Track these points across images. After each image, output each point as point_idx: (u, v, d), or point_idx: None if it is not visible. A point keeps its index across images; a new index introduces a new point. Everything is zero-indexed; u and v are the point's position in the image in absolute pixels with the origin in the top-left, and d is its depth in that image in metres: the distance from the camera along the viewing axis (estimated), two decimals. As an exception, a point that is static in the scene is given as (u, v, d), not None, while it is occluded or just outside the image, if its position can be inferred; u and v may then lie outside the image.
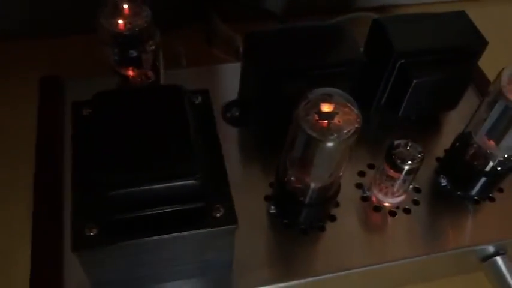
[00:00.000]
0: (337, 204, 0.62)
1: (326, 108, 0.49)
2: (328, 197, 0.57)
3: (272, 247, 0.58)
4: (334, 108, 0.49)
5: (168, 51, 0.65)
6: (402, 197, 0.63)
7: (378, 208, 0.62)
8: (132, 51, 0.56)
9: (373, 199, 0.63)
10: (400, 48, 0.63)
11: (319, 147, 0.49)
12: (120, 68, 0.58)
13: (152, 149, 0.46)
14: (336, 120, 0.49)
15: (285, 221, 0.60)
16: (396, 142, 0.58)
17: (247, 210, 0.59)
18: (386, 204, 0.62)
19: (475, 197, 0.64)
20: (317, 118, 0.49)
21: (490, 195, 0.65)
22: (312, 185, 0.54)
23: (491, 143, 0.58)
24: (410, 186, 0.64)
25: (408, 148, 0.58)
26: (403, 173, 0.58)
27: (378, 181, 0.62)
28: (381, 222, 0.61)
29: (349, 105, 0.49)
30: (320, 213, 0.60)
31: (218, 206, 0.47)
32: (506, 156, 0.59)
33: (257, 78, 0.61)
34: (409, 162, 0.57)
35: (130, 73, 0.59)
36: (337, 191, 0.58)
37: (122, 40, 0.55)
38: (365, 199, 0.63)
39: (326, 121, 0.49)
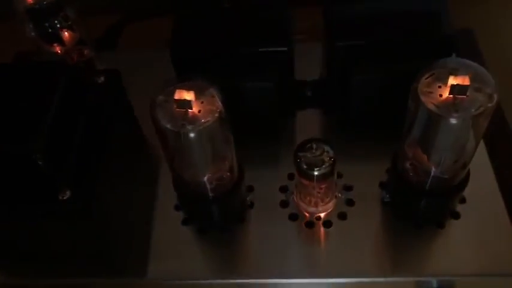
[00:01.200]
0: (252, 205, 0.56)
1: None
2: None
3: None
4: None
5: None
6: (325, 207, 0.54)
7: (295, 216, 0.55)
8: (46, 26, 0.56)
9: (299, 207, 0.56)
10: (340, 41, 0.54)
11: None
12: (44, 45, 0.58)
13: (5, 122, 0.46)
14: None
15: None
16: (306, 145, 0.50)
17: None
18: (306, 214, 0.55)
19: (418, 220, 0.53)
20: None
21: (439, 220, 0.53)
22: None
23: (424, 156, 0.48)
24: (340, 196, 0.55)
25: (316, 151, 0.50)
26: (314, 179, 0.50)
27: (297, 189, 0.55)
28: (294, 232, 0.54)
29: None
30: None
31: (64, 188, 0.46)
32: (443, 172, 0.48)
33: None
34: (316, 168, 0.49)
35: (57, 50, 0.59)
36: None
37: (33, 14, 0.55)
38: (285, 205, 0.56)
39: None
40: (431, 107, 0.42)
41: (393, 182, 0.53)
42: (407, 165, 0.49)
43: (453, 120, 0.41)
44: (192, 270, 0.52)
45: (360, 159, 0.58)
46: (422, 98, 0.42)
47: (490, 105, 0.41)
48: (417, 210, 0.53)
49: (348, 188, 0.56)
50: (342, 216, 0.54)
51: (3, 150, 0.44)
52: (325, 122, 0.63)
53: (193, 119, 0.43)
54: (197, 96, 0.44)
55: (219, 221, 0.54)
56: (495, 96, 0.42)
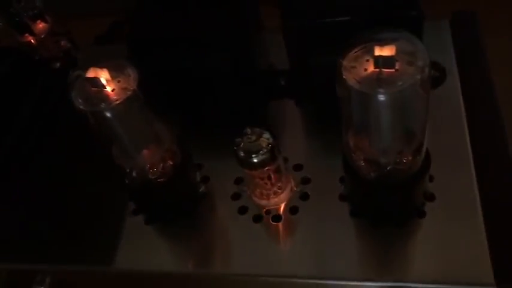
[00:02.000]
0: (204, 196, 0.53)
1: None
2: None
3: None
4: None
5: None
6: (277, 200, 0.50)
7: (244, 209, 0.51)
8: (12, 14, 0.57)
9: (251, 200, 0.52)
10: (293, 21, 0.49)
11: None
12: (17, 36, 0.60)
13: None
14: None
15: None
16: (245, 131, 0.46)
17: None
18: (261, 206, 0.51)
19: (375, 218, 0.47)
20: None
21: (399, 218, 0.47)
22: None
23: (366, 144, 0.42)
24: (296, 189, 0.51)
25: (252, 136, 0.46)
26: (253, 167, 0.46)
27: (247, 181, 0.51)
28: (241, 226, 0.50)
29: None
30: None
31: None
32: (392, 160, 0.42)
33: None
34: (253, 155, 0.46)
35: (30, 40, 0.60)
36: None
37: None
38: (236, 197, 0.52)
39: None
40: (352, 83, 0.37)
41: (347, 176, 0.47)
42: (354, 156, 0.44)
43: (378, 96, 0.36)
44: (136, 260, 0.50)
45: (323, 152, 0.53)
46: (345, 74, 0.37)
47: (418, 77, 0.36)
48: (373, 207, 0.47)
49: (305, 181, 0.52)
50: (293, 210, 0.50)
51: None
52: (295, 113, 0.58)
53: (107, 98, 0.42)
54: (113, 75, 0.42)
55: (165, 211, 0.52)
56: (426, 69, 0.36)
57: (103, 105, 0.41)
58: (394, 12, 0.48)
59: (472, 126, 0.52)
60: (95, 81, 0.41)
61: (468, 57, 0.58)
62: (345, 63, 0.38)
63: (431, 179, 0.48)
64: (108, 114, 0.42)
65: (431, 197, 0.47)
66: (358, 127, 0.41)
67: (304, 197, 0.51)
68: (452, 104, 0.54)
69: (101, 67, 0.42)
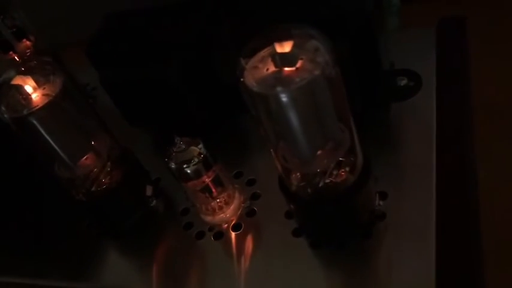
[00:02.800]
0: (156, 212, 0.51)
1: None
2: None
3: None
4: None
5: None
6: (222, 217, 0.47)
7: (189, 226, 0.48)
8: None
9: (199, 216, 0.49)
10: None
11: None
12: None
13: None
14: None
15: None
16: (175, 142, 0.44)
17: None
18: (207, 222, 0.48)
19: (315, 238, 0.43)
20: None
21: (340, 238, 0.42)
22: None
23: (289, 154, 0.38)
24: (243, 205, 0.47)
25: (182, 147, 0.43)
26: (186, 179, 0.44)
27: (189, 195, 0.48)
28: (185, 241, 0.47)
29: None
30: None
31: None
32: (321, 173, 0.38)
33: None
34: (185, 165, 0.43)
35: (15, 57, 0.62)
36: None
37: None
38: (185, 212, 0.50)
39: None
40: (250, 84, 0.34)
41: (284, 194, 0.43)
42: (286, 172, 0.40)
43: (275, 96, 0.33)
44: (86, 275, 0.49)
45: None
46: (245, 76, 0.34)
47: (318, 73, 0.32)
48: (313, 226, 0.43)
49: (255, 197, 0.48)
50: (237, 227, 0.47)
51: None
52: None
53: (30, 104, 0.42)
54: (40, 83, 0.42)
55: (112, 225, 0.51)
56: (329, 66, 0.32)
57: (25, 111, 0.41)
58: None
59: (440, 142, 0.46)
60: (19, 88, 0.42)
61: (449, 66, 0.52)
62: (251, 63, 0.35)
63: (384, 196, 0.43)
64: (32, 120, 0.42)
65: (381, 216, 0.42)
66: (276, 137, 0.38)
67: (251, 213, 0.47)
68: (425, 115, 0.49)
69: (26, 74, 0.42)
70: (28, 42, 0.63)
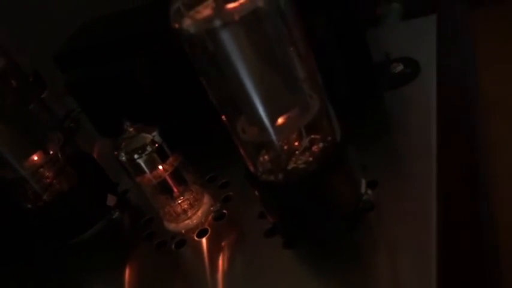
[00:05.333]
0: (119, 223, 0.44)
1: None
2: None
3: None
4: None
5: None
6: (187, 223, 0.40)
7: (150, 235, 0.41)
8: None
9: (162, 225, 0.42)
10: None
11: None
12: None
13: None
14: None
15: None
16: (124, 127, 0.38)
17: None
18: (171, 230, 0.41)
19: (289, 237, 0.35)
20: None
21: (319, 235, 0.34)
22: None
23: (250, 127, 0.32)
24: (212, 209, 0.40)
25: (132, 133, 0.37)
26: (138, 171, 0.38)
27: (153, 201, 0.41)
28: (143, 255, 0.40)
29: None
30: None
31: None
32: (287, 144, 0.31)
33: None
34: (135, 154, 0.37)
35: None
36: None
37: None
38: (149, 221, 0.43)
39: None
40: (186, 26, 0.28)
41: (250, 183, 0.36)
42: (248, 154, 0.34)
43: (214, 31, 0.27)
44: None
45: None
46: (178, 23, 0.29)
47: (260, 4, 0.26)
48: (285, 221, 0.35)
49: (226, 200, 0.41)
50: (202, 233, 0.39)
51: None
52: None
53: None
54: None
55: (65, 237, 0.44)
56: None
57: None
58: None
59: (440, 128, 0.39)
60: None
61: (450, 53, 0.46)
62: (178, 7, 0.29)
63: (374, 184, 0.36)
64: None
65: (369, 208, 0.34)
66: (222, 101, 0.31)
67: (220, 217, 0.40)
68: (423, 101, 0.42)
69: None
70: None
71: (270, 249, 0.36)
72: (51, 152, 0.42)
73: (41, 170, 0.42)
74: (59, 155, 0.42)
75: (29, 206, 0.43)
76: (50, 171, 0.42)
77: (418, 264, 0.30)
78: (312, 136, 0.33)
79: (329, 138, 0.32)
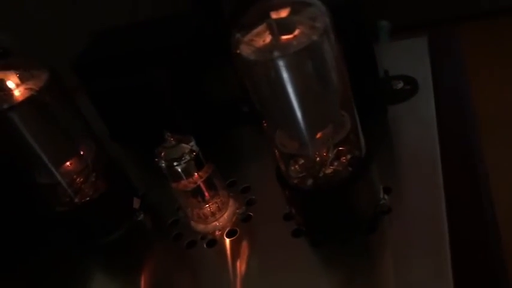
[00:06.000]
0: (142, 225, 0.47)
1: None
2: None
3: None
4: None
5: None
6: (215, 225, 0.44)
7: (179, 236, 0.45)
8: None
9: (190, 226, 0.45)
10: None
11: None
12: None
13: None
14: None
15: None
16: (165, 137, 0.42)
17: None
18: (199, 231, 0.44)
19: (315, 236, 0.40)
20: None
21: (342, 234, 0.39)
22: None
23: (287, 139, 0.36)
24: (238, 211, 0.44)
25: (173, 143, 0.41)
26: (177, 177, 0.41)
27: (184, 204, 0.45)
28: (174, 254, 0.44)
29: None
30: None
31: None
32: (320, 159, 0.35)
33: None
34: (175, 162, 0.41)
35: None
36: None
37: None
38: (174, 224, 0.46)
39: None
40: (247, 53, 0.32)
41: (282, 189, 0.40)
42: (283, 159, 0.38)
43: (273, 61, 0.31)
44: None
45: (274, 174, 0.47)
46: (240, 48, 0.33)
47: (315, 38, 0.30)
48: (311, 221, 0.40)
49: (250, 203, 0.45)
50: (232, 233, 0.43)
51: None
52: (255, 137, 0.53)
53: (11, 98, 0.39)
54: (24, 78, 0.40)
55: (90, 238, 0.47)
56: (324, 30, 0.31)
57: (5, 105, 0.39)
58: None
59: (442, 138, 0.44)
60: (1, 83, 0.40)
61: (444, 72, 0.52)
62: (247, 38, 0.33)
63: (388, 190, 0.41)
64: (12, 116, 0.39)
65: (387, 210, 0.40)
66: (272, 118, 0.36)
67: (247, 218, 0.44)
68: (424, 114, 0.47)
69: (8, 68, 0.40)
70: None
71: (297, 248, 0.40)
72: (85, 159, 0.44)
73: (74, 175, 0.44)
74: (91, 162, 0.45)
75: (60, 209, 0.46)
76: (82, 176, 0.45)
77: (432, 262, 0.36)
78: (340, 148, 0.38)
79: (356, 151, 0.37)
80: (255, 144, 0.53)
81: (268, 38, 0.32)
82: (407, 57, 0.55)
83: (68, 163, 0.44)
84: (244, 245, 0.42)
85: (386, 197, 0.40)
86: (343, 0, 0.43)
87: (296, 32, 0.31)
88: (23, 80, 0.40)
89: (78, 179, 0.45)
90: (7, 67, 0.40)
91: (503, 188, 0.44)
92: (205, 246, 0.43)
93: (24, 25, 0.66)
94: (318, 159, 0.37)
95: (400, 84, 0.51)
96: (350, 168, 0.37)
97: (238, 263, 0.41)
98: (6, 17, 0.64)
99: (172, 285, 0.42)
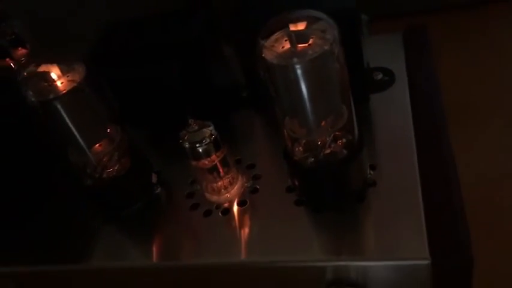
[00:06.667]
0: (159, 198, 0.55)
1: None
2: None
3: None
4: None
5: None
6: (227, 196, 0.52)
7: (196, 206, 0.53)
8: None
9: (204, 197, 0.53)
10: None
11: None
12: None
13: None
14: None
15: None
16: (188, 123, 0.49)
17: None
18: (213, 202, 0.52)
19: (316, 204, 0.48)
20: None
21: (339, 202, 0.48)
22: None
23: (296, 125, 0.44)
24: (247, 185, 0.52)
25: (195, 128, 0.48)
26: (198, 157, 0.49)
27: (200, 178, 0.53)
28: (193, 221, 0.51)
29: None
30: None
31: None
32: (321, 139, 0.44)
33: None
34: (197, 144, 0.48)
35: (11, 64, 0.65)
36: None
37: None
38: (190, 196, 0.54)
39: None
40: (270, 58, 0.40)
41: (288, 165, 0.49)
42: (291, 141, 0.46)
43: (292, 66, 0.39)
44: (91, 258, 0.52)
45: (276, 152, 0.55)
46: (264, 53, 0.40)
47: (326, 48, 0.38)
48: (313, 193, 0.48)
49: (256, 178, 0.53)
50: (242, 203, 0.51)
51: None
52: (257, 121, 0.61)
53: (56, 90, 0.45)
54: (64, 71, 0.46)
55: (118, 211, 0.54)
56: (335, 42, 0.39)
57: (52, 95, 0.45)
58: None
59: (416, 123, 0.53)
60: (45, 75, 0.45)
61: (417, 65, 0.61)
62: (268, 43, 0.41)
63: (373, 167, 0.50)
64: (57, 105, 0.45)
65: (372, 183, 0.48)
66: (285, 109, 0.44)
67: (254, 191, 0.52)
68: (401, 102, 0.56)
69: (51, 63, 0.46)
70: (24, 50, 0.66)
71: (298, 214, 0.49)
72: (112, 140, 0.51)
73: (103, 155, 0.51)
74: (116, 143, 0.51)
75: (89, 182, 0.52)
76: (109, 155, 0.51)
77: (410, 224, 0.45)
78: (337, 133, 0.46)
79: (350, 136, 0.45)
80: (253, 126, 0.61)
81: (286, 45, 0.40)
82: (384, 51, 0.63)
83: (97, 144, 0.50)
84: (254, 212, 0.50)
85: (371, 172, 0.49)
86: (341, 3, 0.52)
87: (310, 42, 0.39)
88: (64, 72, 0.46)
89: (105, 158, 0.51)
90: (50, 61, 0.46)
91: (465, 161, 0.54)
92: (220, 214, 0.51)
93: (31, 15, 0.70)
94: (319, 142, 0.45)
95: (380, 76, 0.59)
96: (345, 151, 0.45)
97: (249, 227, 0.49)
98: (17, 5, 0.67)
99: (193, 248, 0.49)
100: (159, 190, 0.56)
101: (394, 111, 0.55)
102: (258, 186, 0.52)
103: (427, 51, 0.62)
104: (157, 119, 0.61)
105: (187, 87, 0.57)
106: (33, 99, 0.45)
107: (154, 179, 0.56)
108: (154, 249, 0.51)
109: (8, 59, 0.65)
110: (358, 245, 0.45)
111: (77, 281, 0.54)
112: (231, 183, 0.52)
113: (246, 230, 0.49)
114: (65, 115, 0.46)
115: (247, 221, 0.50)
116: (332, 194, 0.48)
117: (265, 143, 0.58)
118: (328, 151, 0.46)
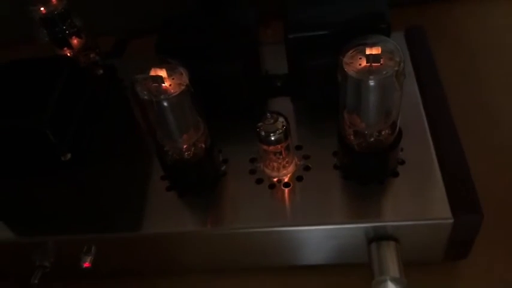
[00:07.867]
0: (224, 174, 0.67)
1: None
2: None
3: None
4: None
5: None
6: (285, 172, 0.65)
7: (260, 181, 0.65)
8: (57, 31, 0.69)
9: (264, 173, 0.66)
10: (292, 34, 0.65)
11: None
12: (56, 49, 0.71)
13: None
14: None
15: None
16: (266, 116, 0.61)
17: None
18: (271, 178, 0.65)
19: (361, 179, 0.63)
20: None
21: (379, 177, 0.63)
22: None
23: (358, 120, 0.58)
24: (299, 163, 0.66)
25: (270, 120, 0.60)
26: (271, 143, 0.61)
27: (262, 158, 0.65)
28: (260, 193, 0.64)
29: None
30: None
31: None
32: (375, 131, 0.58)
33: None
34: (271, 134, 0.60)
35: (67, 53, 0.72)
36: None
37: (46, 22, 0.68)
38: (253, 172, 0.66)
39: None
40: (352, 73, 0.52)
41: (340, 148, 0.62)
42: (347, 130, 0.59)
43: (369, 82, 0.52)
44: (176, 226, 0.63)
45: (318, 134, 0.69)
46: (345, 68, 0.53)
47: (396, 69, 0.51)
48: (360, 170, 0.63)
49: (306, 157, 0.67)
50: (299, 178, 0.65)
51: (17, 124, 0.57)
52: (291, 107, 0.74)
53: (165, 91, 0.55)
54: (168, 74, 0.56)
55: (196, 186, 0.65)
56: (400, 63, 0.52)
57: (163, 96, 0.54)
58: (368, 24, 0.64)
59: (428, 114, 0.69)
60: (156, 78, 0.55)
61: (421, 62, 0.75)
62: (344, 59, 0.53)
63: (402, 149, 0.65)
64: (166, 104, 0.55)
65: (402, 162, 0.64)
66: (351, 107, 0.57)
67: (307, 168, 0.66)
68: (411, 96, 0.71)
69: (160, 67, 0.55)
70: (77, 40, 0.73)
71: (347, 186, 0.63)
72: (197, 131, 0.61)
73: (189, 141, 0.61)
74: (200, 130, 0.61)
75: (171, 163, 0.62)
76: (193, 142, 0.61)
77: (435, 191, 0.60)
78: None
79: (395, 128, 0.59)
80: (291, 112, 0.73)
81: (362, 62, 0.52)
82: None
83: (185, 135, 0.60)
84: (310, 185, 0.64)
85: (401, 152, 0.64)
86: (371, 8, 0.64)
87: (382, 61, 0.52)
88: (170, 75, 0.55)
89: (190, 144, 0.61)
90: (160, 65, 0.55)
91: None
92: (282, 187, 0.64)
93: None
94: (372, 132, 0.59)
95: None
96: (389, 138, 0.59)
97: (308, 198, 0.63)
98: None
99: (263, 215, 0.62)
100: (224, 167, 0.67)
101: (407, 103, 0.70)
102: (309, 165, 0.66)
103: (427, 50, 0.76)
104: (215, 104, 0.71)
105: (248, 81, 0.68)
106: (146, 97, 0.54)
107: (220, 157, 0.67)
108: (227, 217, 0.63)
109: (65, 48, 0.72)
110: (395, 209, 0.60)
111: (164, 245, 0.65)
112: (288, 163, 0.65)
113: (306, 200, 0.63)
114: (168, 112, 0.56)
115: (305, 193, 0.63)
116: (374, 171, 0.62)
117: (305, 126, 0.70)
118: (373, 139, 0.60)
